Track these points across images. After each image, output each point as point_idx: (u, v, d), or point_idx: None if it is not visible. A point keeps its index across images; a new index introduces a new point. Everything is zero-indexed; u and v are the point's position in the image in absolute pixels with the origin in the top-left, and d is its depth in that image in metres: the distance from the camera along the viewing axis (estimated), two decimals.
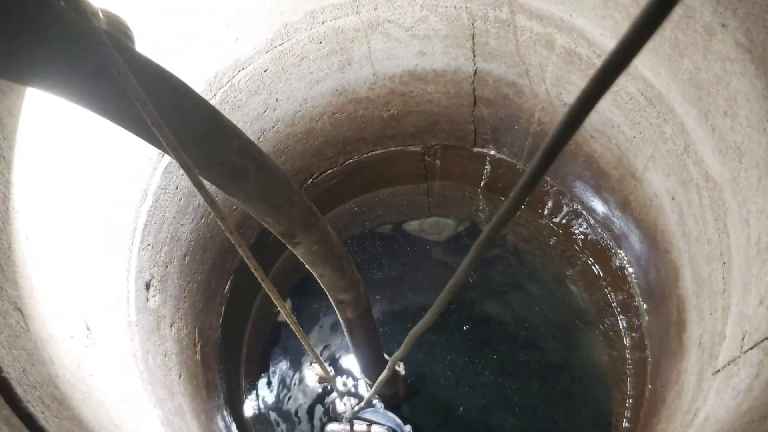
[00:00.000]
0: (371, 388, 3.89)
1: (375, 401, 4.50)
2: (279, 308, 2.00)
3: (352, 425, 4.08)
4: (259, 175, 1.82)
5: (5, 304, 1.77)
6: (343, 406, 4.09)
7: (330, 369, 4.43)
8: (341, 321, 3.06)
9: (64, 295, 2.20)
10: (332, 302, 2.88)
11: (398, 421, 4.35)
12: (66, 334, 2.13)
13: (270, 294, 1.91)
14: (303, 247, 2.25)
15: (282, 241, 2.21)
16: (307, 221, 2.15)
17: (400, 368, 4.54)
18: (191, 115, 1.58)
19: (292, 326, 2.21)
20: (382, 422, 4.32)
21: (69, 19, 1.24)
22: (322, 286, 2.69)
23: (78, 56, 1.28)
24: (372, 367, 3.77)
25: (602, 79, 0.84)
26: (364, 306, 2.95)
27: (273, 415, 4.91)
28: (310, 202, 2.18)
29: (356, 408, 3.52)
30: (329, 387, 4.80)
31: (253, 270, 1.79)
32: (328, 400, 4.85)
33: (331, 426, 4.37)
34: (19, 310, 1.84)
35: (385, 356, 3.90)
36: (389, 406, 4.51)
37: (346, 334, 3.17)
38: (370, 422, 4.28)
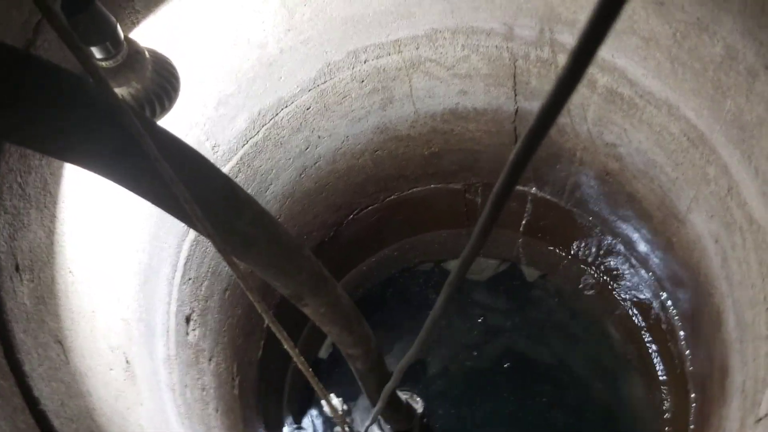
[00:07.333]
0: (381, 428, 3.93)
1: None
2: (285, 345, 2.03)
3: None
4: (269, 244, 1.88)
5: (46, 336, 1.80)
6: None
7: (343, 407, 4.38)
8: (353, 370, 3.09)
9: (104, 328, 2.23)
10: (343, 354, 2.92)
11: None
12: (105, 366, 2.16)
13: (272, 327, 1.92)
14: (311, 309, 2.31)
15: (290, 301, 2.25)
16: (315, 286, 2.20)
17: (418, 405, 4.47)
18: (207, 186, 1.62)
19: (298, 364, 2.24)
20: None
21: (97, 98, 1.30)
22: (331, 339, 2.71)
23: (104, 134, 1.34)
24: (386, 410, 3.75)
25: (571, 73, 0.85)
26: (374, 359, 2.98)
27: None
28: (320, 267, 2.22)
29: None
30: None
31: (261, 312, 1.81)
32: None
33: None
34: (60, 342, 1.88)
35: (400, 397, 3.86)
36: None
37: (358, 381, 3.19)
38: None
